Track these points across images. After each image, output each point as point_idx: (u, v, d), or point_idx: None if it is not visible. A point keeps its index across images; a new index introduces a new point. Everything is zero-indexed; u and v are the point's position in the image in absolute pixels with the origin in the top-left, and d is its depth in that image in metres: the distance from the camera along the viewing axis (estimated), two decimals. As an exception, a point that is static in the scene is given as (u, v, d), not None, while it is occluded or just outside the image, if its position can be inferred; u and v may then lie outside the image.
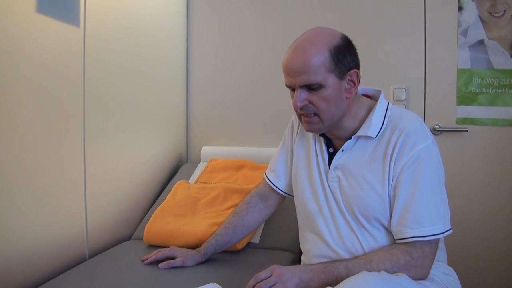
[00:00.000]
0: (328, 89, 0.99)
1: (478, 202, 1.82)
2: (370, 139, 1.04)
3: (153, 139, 1.91)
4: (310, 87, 1.00)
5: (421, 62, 1.87)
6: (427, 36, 1.86)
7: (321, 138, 1.13)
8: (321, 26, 1.07)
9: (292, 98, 1.05)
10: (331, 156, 1.10)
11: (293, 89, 1.04)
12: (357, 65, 1.04)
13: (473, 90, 1.81)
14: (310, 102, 1.01)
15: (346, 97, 1.03)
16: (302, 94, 1.01)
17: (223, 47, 2.13)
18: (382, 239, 1.02)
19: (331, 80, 0.99)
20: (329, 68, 0.99)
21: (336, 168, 1.08)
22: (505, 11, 1.76)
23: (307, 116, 1.03)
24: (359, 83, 1.05)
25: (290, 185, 1.25)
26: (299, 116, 1.07)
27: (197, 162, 2.11)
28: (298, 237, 1.23)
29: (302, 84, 1.00)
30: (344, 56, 1.01)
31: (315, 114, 1.02)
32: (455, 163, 1.82)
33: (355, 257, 1.01)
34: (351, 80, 1.03)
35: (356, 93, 1.07)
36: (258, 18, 2.07)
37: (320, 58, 0.98)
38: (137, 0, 1.74)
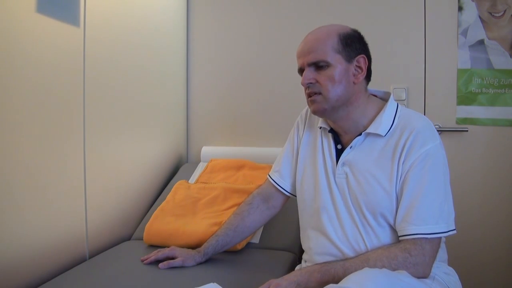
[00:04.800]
0: (335, 69, 1.04)
1: (478, 202, 1.82)
2: (379, 137, 1.06)
3: (153, 139, 1.91)
4: (318, 66, 1.05)
5: (421, 62, 1.87)
6: (427, 36, 1.86)
7: (329, 134, 1.14)
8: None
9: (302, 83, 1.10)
10: (339, 153, 1.11)
11: (303, 72, 1.09)
12: (367, 56, 1.09)
13: (473, 90, 1.81)
14: (317, 82, 1.06)
15: (354, 82, 1.07)
16: (310, 73, 1.06)
17: (223, 47, 2.13)
18: (385, 238, 1.03)
19: (338, 60, 1.05)
20: (336, 49, 1.05)
21: (343, 164, 1.09)
22: (505, 11, 1.76)
23: (312, 95, 1.07)
24: (367, 71, 1.09)
25: (294, 185, 1.25)
26: (307, 97, 1.10)
27: (197, 162, 2.11)
28: (298, 237, 1.23)
29: (310, 62, 1.06)
30: (353, 42, 1.07)
31: (320, 93, 1.06)
32: (455, 163, 1.81)
33: (352, 257, 1.02)
34: (358, 67, 1.07)
35: (366, 90, 1.11)
36: (259, 18, 2.07)
37: (329, 40, 1.05)
38: (137, 0, 1.74)
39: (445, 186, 1.02)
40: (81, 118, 1.41)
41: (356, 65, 1.07)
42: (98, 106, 1.49)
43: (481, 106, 1.81)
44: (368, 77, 1.12)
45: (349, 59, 1.06)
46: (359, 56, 1.07)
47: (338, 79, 1.04)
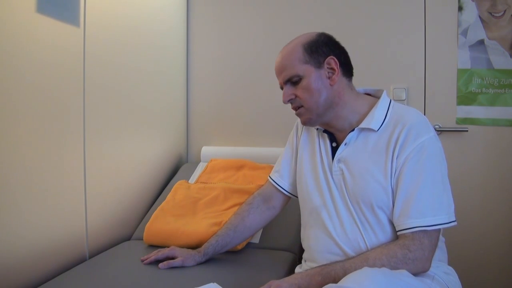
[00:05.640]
0: (308, 79, 1.07)
1: (478, 202, 1.82)
2: (373, 132, 1.06)
3: (153, 139, 1.91)
4: (292, 81, 1.09)
5: (421, 62, 1.87)
6: (427, 36, 1.86)
7: (325, 135, 1.15)
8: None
9: None
10: (334, 150, 1.12)
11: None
12: (336, 55, 1.08)
13: (473, 90, 1.81)
14: (297, 96, 1.09)
15: (331, 84, 1.08)
16: (287, 90, 1.10)
17: (223, 47, 2.13)
18: (384, 234, 1.03)
19: (308, 70, 1.07)
20: (303, 60, 1.07)
21: (339, 161, 1.09)
22: (505, 11, 1.76)
23: (296, 110, 1.12)
24: (345, 66, 1.10)
25: (294, 184, 1.26)
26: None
27: (197, 162, 2.11)
28: (298, 237, 1.23)
29: (285, 80, 1.10)
30: (318, 47, 1.08)
31: (302, 106, 1.10)
32: (455, 163, 1.82)
33: (352, 257, 1.02)
34: (330, 68, 1.08)
35: (350, 87, 1.12)
36: (258, 19, 2.07)
37: (294, 54, 1.08)
38: (137, 0, 1.74)
39: (442, 178, 1.01)
40: (81, 118, 1.41)
41: (327, 68, 1.07)
42: (98, 106, 1.49)
43: (481, 106, 1.81)
44: (348, 73, 1.12)
45: (319, 64, 1.07)
46: (328, 58, 1.07)
47: (315, 87, 1.06)
